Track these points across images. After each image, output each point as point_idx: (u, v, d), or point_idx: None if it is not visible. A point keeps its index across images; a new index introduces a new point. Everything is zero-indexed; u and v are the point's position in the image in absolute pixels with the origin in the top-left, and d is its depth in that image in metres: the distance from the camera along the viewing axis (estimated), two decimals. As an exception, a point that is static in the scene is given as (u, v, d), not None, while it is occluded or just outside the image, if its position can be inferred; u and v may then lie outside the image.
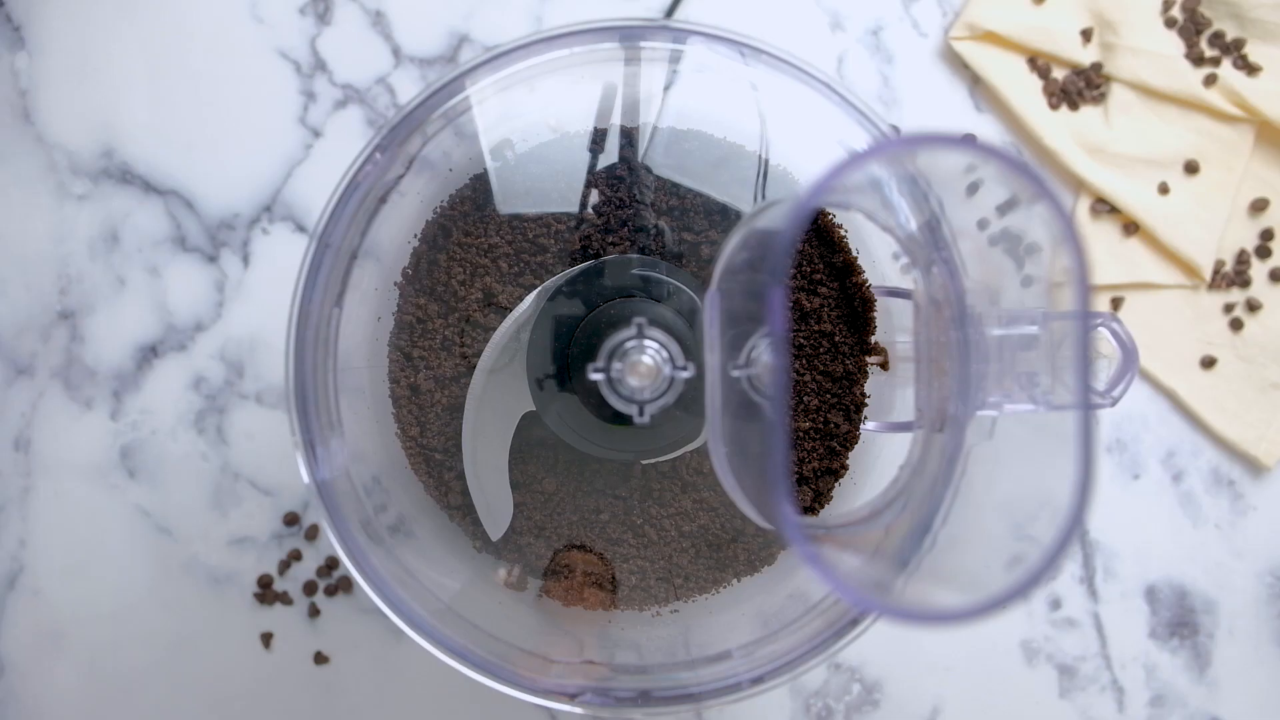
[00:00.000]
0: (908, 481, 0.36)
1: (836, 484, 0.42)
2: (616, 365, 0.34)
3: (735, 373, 0.31)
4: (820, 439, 0.41)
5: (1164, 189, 0.52)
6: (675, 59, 0.38)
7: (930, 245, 0.34)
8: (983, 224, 0.30)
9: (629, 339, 0.34)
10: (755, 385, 0.31)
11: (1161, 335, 0.53)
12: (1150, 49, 0.52)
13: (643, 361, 0.34)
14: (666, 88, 0.42)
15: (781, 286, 0.23)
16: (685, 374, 0.34)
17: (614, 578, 0.41)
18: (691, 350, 0.35)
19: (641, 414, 0.34)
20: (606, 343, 0.35)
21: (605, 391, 0.35)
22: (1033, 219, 0.26)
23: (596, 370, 0.34)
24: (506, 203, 0.41)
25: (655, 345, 0.34)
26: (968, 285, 0.32)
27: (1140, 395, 0.53)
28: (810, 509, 0.42)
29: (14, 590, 0.52)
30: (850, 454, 0.41)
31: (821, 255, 0.41)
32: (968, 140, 0.25)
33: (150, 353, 0.52)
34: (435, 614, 0.36)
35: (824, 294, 0.41)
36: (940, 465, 0.33)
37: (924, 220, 0.35)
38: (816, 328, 0.41)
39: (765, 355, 0.31)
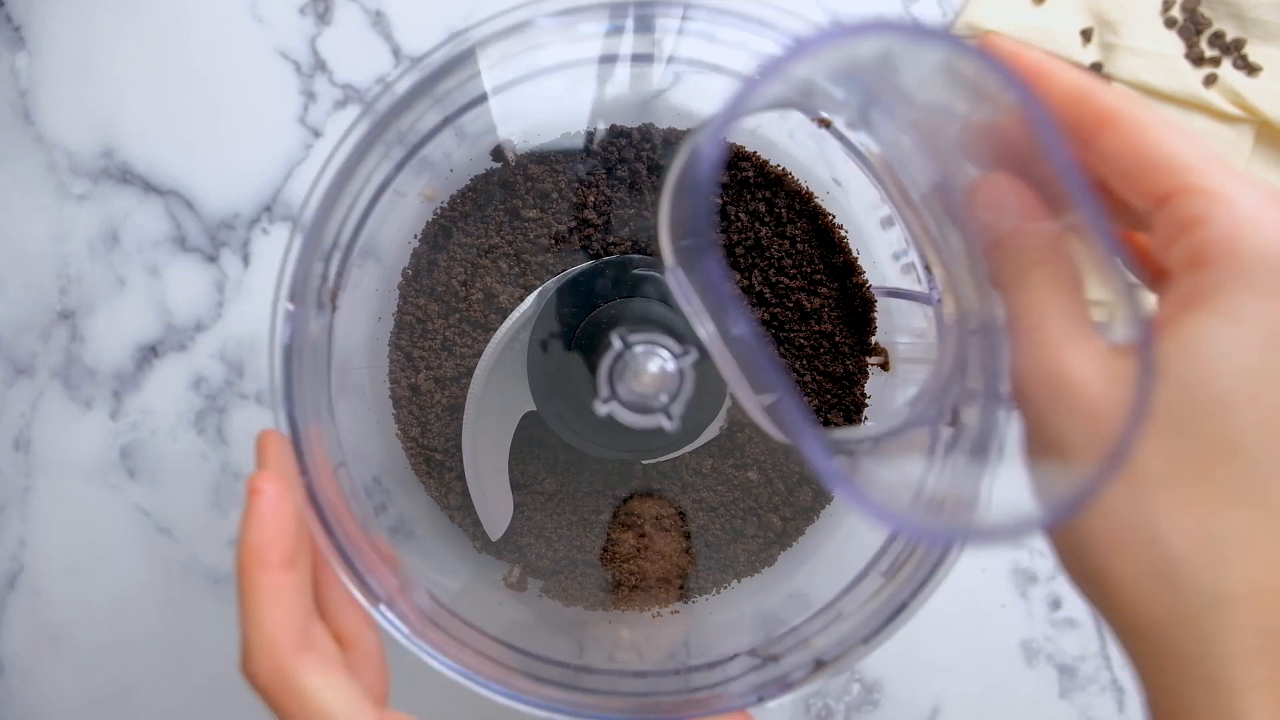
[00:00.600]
0: (949, 371, 0.33)
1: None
2: (621, 387, 0.33)
3: (737, 331, 0.30)
4: (821, 439, 0.41)
5: (1164, 189, 0.52)
6: (676, 61, 0.38)
7: (862, 97, 0.30)
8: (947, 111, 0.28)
9: (617, 355, 0.33)
10: None
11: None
12: (1150, 49, 0.52)
13: (647, 370, 0.33)
14: (667, 89, 0.42)
15: (714, 244, 0.22)
16: (690, 359, 0.33)
17: (682, 514, 0.40)
18: (686, 335, 0.34)
19: (670, 418, 0.33)
20: (600, 369, 0.33)
21: (624, 418, 0.33)
22: (974, 90, 0.24)
23: (604, 402, 0.33)
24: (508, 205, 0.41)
25: (648, 348, 0.33)
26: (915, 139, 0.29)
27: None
28: (811, 508, 0.42)
29: (14, 590, 0.52)
30: (851, 454, 0.41)
31: (822, 256, 0.41)
32: (867, 26, 0.22)
33: (150, 353, 0.52)
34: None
35: (824, 294, 0.41)
36: (991, 334, 0.29)
37: (851, 92, 0.32)
38: (817, 328, 0.40)
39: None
